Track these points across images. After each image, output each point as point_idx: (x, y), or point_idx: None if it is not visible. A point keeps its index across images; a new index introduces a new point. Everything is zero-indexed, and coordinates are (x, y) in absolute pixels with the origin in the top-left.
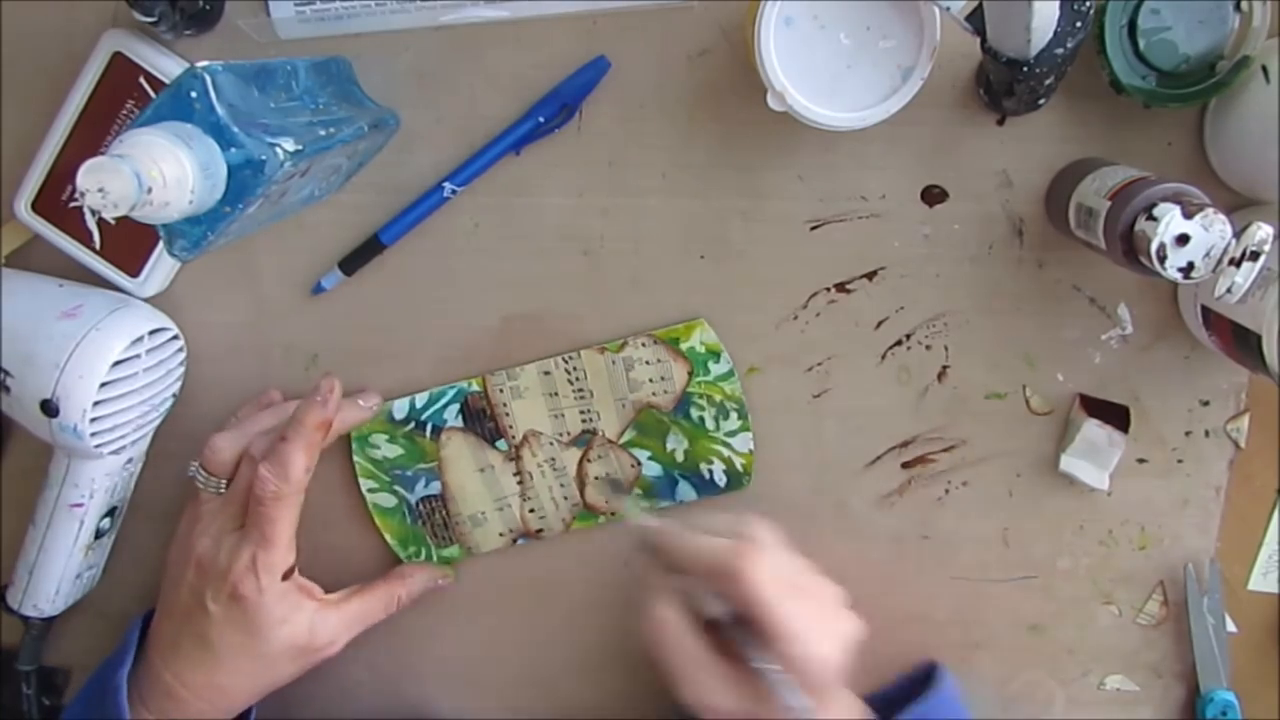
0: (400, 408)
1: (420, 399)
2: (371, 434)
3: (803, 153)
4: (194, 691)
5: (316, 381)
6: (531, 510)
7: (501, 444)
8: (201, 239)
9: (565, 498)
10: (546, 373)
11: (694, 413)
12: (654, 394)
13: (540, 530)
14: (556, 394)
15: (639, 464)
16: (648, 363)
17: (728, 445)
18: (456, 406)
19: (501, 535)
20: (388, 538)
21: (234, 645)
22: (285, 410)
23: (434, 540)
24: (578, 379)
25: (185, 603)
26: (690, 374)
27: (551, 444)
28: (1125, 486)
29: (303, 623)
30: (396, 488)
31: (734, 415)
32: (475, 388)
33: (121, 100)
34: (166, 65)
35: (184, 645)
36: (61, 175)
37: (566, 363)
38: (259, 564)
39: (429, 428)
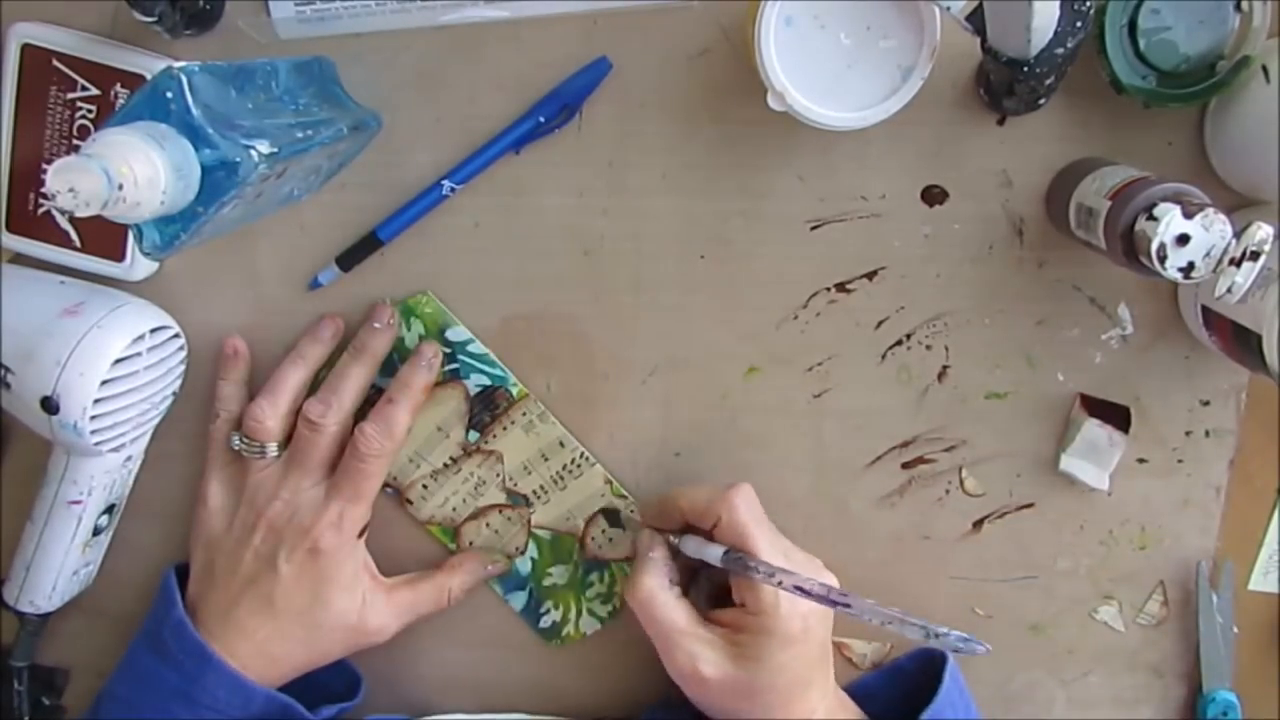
0: (457, 332)
1: (476, 347)
2: None
3: (803, 153)
4: (241, 660)
5: (420, 348)
6: (424, 487)
7: (473, 435)
8: (174, 239)
9: (454, 509)
10: (561, 443)
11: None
12: (599, 546)
13: (421, 511)
14: (547, 459)
15: (521, 554)
16: (604, 531)
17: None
18: (486, 379)
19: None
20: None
21: (297, 608)
22: (309, 359)
23: None
24: (564, 476)
25: (248, 569)
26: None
27: (499, 475)
28: (1125, 486)
29: (358, 598)
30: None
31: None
32: (514, 387)
33: (45, 89)
34: (68, 40)
35: (238, 614)
36: (22, 185)
37: (574, 458)
38: (345, 518)
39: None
